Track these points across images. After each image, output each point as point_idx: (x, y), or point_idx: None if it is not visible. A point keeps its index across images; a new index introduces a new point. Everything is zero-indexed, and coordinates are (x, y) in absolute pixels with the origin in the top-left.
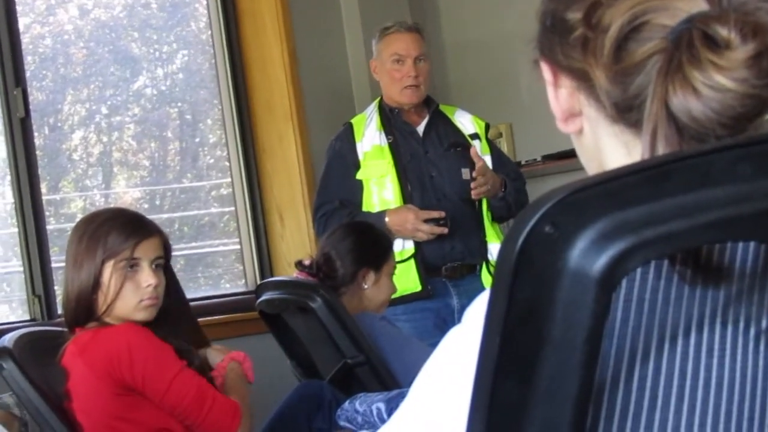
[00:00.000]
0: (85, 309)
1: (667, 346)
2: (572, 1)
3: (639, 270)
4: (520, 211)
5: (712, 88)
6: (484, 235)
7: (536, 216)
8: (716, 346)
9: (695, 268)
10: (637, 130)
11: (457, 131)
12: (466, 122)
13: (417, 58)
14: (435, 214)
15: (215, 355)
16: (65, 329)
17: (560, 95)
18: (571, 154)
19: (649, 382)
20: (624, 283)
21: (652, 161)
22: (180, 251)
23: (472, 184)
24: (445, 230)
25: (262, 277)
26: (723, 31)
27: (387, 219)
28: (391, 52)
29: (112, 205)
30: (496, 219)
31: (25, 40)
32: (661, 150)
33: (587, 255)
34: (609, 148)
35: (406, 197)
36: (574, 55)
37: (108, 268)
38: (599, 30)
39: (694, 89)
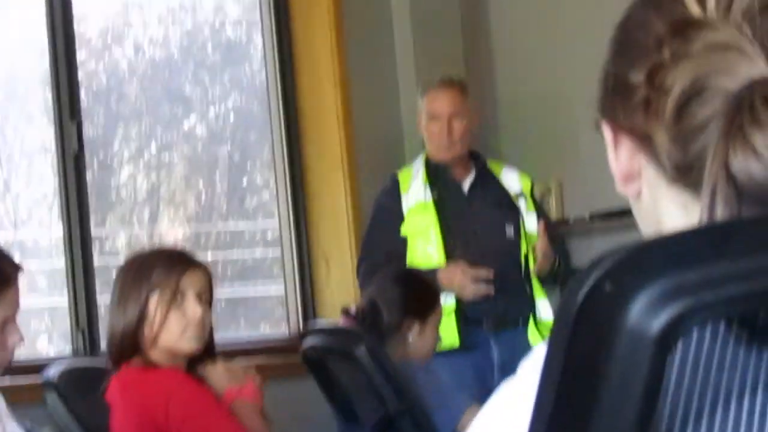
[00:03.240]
0: (130, 344)
1: (720, 409)
2: (635, 64)
3: (695, 331)
4: (581, 269)
5: None
6: (531, 291)
7: (596, 274)
8: None
9: (752, 331)
10: (697, 191)
11: (502, 188)
12: (512, 180)
13: (451, 116)
14: (483, 274)
15: (219, 375)
16: (109, 364)
17: (620, 157)
18: (618, 214)
19: None
20: (680, 344)
21: (714, 224)
22: (222, 293)
23: (536, 267)
24: (492, 291)
25: (306, 321)
26: None
27: (438, 276)
28: (427, 110)
29: (157, 243)
30: (540, 282)
31: (79, 75)
32: (720, 211)
33: (646, 314)
34: (667, 209)
35: (449, 252)
36: (635, 116)
37: (153, 300)
38: (662, 91)
39: (755, 151)
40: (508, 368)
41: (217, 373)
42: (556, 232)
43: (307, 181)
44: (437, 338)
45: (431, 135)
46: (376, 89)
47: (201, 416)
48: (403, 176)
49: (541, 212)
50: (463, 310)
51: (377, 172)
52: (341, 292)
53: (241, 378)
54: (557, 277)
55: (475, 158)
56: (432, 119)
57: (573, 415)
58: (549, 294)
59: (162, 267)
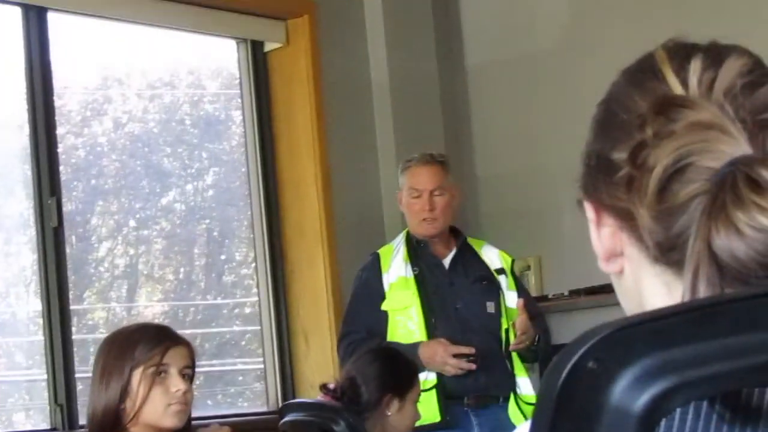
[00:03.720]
0: (111, 420)
1: None
2: (618, 142)
3: (678, 410)
4: (565, 347)
5: (756, 228)
6: (512, 368)
7: (580, 351)
8: None
9: (735, 408)
10: (679, 270)
11: (483, 265)
12: (493, 257)
13: (433, 191)
14: (465, 350)
15: None
16: None
17: (603, 234)
18: (597, 291)
19: None
20: (663, 422)
21: (698, 302)
22: (200, 368)
23: (515, 341)
24: (473, 366)
25: (284, 397)
26: (766, 174)
27: (419, 351)
28: (409, 185)
29: (135, 318)
30: (520, 359)
31: (58, 150)
32: (703, 290)
33: (629, 392)
34: (650, 288)
35: (431, 328)
36: (618, 194)
37: (136, 376)
38: (644, 170)
39: (738, 230)
40: None
41: None
42: (536, 308)
43: (286, 257)
44: (416, 414)
45: (412, 210)
46: (356, 166)
47: None
48: (384, 253)
49: (521, 290)
50: (444, 386)
51: (357, 248)
52: (320, 367)
53: None
54: (537, 354)
55: (456, 235)
56: (413, 195)
57: None
58: (529, 370)
59: (145, 343)
